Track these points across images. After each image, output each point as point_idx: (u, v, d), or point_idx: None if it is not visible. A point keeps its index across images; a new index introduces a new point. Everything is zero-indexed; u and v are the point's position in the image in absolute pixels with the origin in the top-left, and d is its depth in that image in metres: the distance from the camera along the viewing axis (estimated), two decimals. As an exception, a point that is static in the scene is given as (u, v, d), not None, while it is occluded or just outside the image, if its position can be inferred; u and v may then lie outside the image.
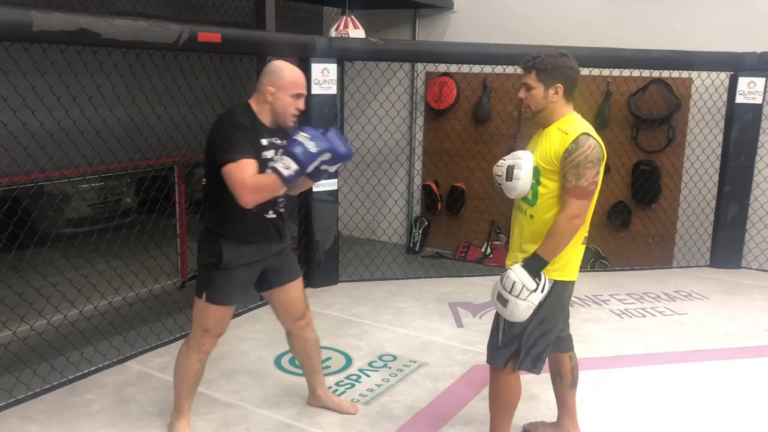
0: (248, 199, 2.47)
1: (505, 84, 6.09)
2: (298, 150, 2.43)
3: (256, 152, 2.53)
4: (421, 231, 6.87)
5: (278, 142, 2.63)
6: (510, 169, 2.48)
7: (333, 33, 5.47)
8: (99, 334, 3.93)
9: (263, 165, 2.53)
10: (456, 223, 6.71)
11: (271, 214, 2.70)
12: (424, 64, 6.47)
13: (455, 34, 6.39)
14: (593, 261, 6.04)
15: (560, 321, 2.63)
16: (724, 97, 5.51)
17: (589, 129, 2.44)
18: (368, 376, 3.51)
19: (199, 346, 2.76)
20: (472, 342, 3.95)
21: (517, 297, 2.39)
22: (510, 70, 5.73)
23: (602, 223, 6.19)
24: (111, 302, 4.35)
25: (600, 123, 6.01)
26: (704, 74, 5.62)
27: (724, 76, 5.51)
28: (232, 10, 6.45)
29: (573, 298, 4.76)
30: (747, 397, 3.35)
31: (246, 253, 2.67)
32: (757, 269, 5.64)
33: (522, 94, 2.51)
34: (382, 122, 6.04)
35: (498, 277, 2.50)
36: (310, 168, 2.47)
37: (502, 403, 2.65)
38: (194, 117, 4.17)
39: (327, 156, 2.48)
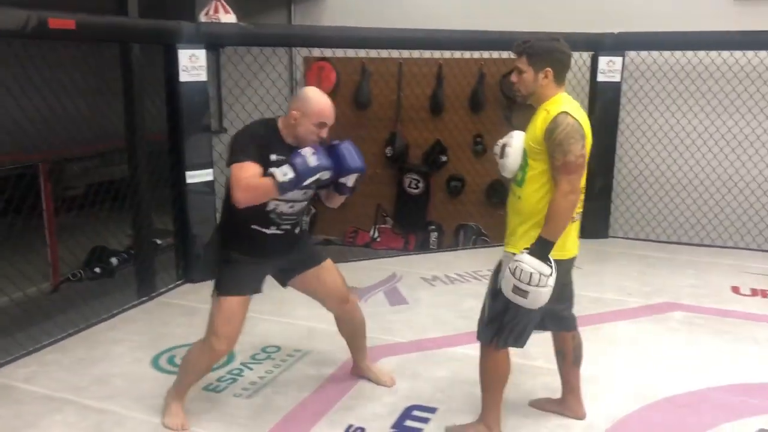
0: (239, 196, 2.52)
1: (380, 67, 6.14)
2: (297, 161, 2.50)
3: (262, 162, 2.58)
4: (309, 218, 6.83)
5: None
6: (503, 147, 2.59)
7: (203, 18, 5.28)
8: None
9: (264, 202, 2.64)
10: (343, 209, 6.59)
11: (272, 230, 2.75)
12: (301, 49, 6.40)
13: (332, 18, 6.34)
14: (475, 238, 6.25)
15: (550, 300, 2.61)
16: (588, 75, 5.81)
17: (570, 108, 2.48)
18: (251, 369, 3.44)
19: (210, 351, 2.79)
20: None
21: (537, 286, 2.41)
22: (385, 54, 5.77)
23: (481, 202, 6.40)
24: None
25: (475, 105, 6.20)
26: (569, 54, 5.88)
27: (586, 56, 5.81)
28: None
29: (455, 275, 5.03)
30: (607, 358, 3.55)
31: (247, 254, 2.76)
32: (622, 237, 6.04)
33: (514, 77, 2.58)
34: (261, 109, 5.92)
35: (506, 270, 2.49)
36: (308, 181, 2.53)
37: (490, 379, 2.72)
38: (55, 112, 3.90)
39: (326, 174, 2.58)
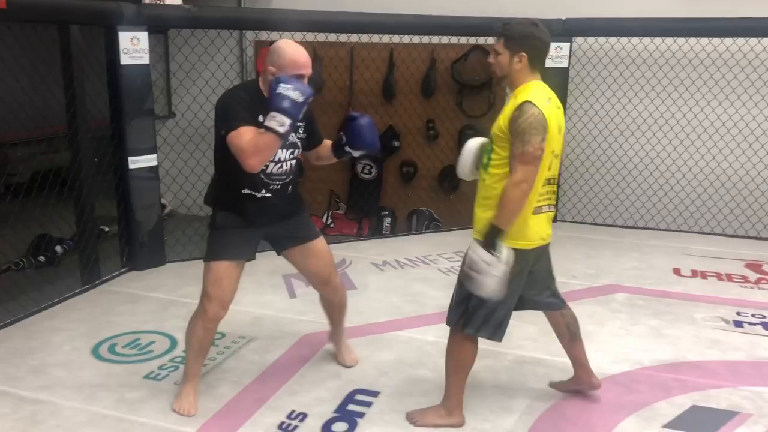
0: (251, 162, 2.52)
1: (332, 52, 6.08)
2: (286, 104, 2.46)
3: (253, 122, 2.58)
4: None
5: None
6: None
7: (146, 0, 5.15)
8: None
9: None
10: (295, 195, 6.64)
11: (263, 193, 2.73)
12: (254, 32, 6.31)
13: (282, 1, 6.25)
14: (427, 223, 6.27)
15: (518, 288, 2.63)
16: (536, 62, 5.84)
17: (538, 97, 2.45)
18: (194, 356, 3.40)
19: (202, 313, 2.80)
20: (304, 312, 3.96)
21: (480, 274, 2.43)
22: (333, 37, 5.73)
23: (434, 187, 6.43)
24: None
25: (427, 90, 6.20)
26: (518, 40, 5.92)
27: (535, 42, 5.84)
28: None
29: (405, 260, 5.05)
30: (550, 341, 3.59)
31: (238, 219, 2.78)
32: (570, 221, 6.14)
33: (491, 59, 2.58)
34: (210, 94, 5.81)
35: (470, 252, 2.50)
36: (300, 115, 2.52)
37: (454, 363, 2.73)
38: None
39: (310, 98, 2.53)
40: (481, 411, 2.90)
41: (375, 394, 3.03)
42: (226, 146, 2.58)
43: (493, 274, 2.43)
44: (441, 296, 4.20)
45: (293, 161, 2.79)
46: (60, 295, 4.12)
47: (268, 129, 2.48)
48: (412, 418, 2.82)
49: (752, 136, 5.67)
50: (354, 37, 5.89)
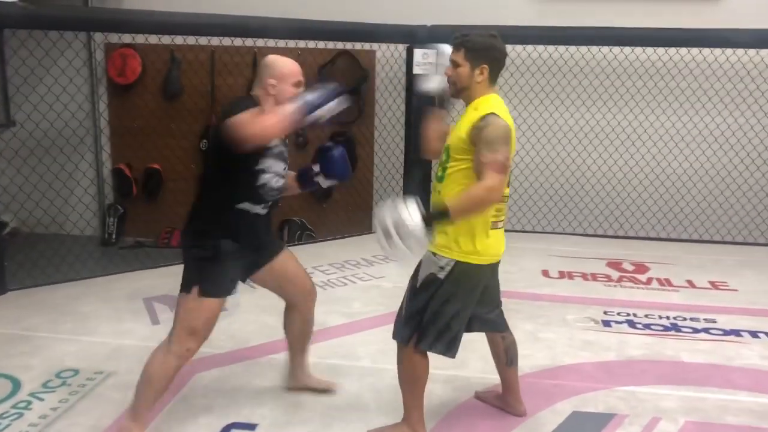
0: (253, 129, 2.35)
1: (191, 55, 5.77)
2: (315, 94, 2.45)
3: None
4: (116, 219, 6.25)
5: (281, 149, 2.64)
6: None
7: (-26, -5, 4.57)
8: None
9: (262, 174, 2.55)
10: (156, 208, 6.22)
11: (258, 209, 2.61)
12: (102, 34, 5.82)
13: (136, 1, 5.81)
14: (300, 233, 6.07)
15: (471, 303, 2.57)
16: (404, 68, 5.84)
17: (501, 110, 2.43)
18: (42, 399, 2.99)
19: (182, 351, 2.55)
20: None
21: (400, 237, 2.26)
22: (192, 40, 5.41)
23: (305, 196, 6.22)
24: None
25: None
26: (385, 46, 5.90)
27: (402, 48, 5.83)
28: None
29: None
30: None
31: (235, 245, 2.59)
32: (443, 227, 6.18)
33: (448, 71, 2.51)
34: (59, 99, 5.29)
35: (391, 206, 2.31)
36: (324, 108, 2.45)
37: (409, 378, 2.63)
38: None
39: (324, 104, 2.47)
40: (366, 436, 2.76)
41: (252, 427, 2.80)
42: (221, 159, 2.51)
43: (410, 246, 2.28)
44: (319, 311, 4.01)
45: (285, 179, 2.72)
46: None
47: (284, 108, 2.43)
48: None
49: (607, 140, 6.00)
50: (215, 41, 5.59)
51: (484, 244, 2.49)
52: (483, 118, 2.39)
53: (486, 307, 2.72)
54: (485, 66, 2.46)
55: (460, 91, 2.53)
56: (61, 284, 4.55)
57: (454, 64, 2.50)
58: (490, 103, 2.47)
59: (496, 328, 2.83)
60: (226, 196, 2.56)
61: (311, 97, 2.45)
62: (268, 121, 2.40)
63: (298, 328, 2.99)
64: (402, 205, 2.31)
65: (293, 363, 3.07)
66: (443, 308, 2.51)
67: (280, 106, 2.47)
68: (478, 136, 2.37)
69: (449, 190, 2.47)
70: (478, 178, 2.38)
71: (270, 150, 2.57)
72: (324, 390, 3.07)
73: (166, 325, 3.78)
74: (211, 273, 2.57)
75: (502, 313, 2.84)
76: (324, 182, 2.81)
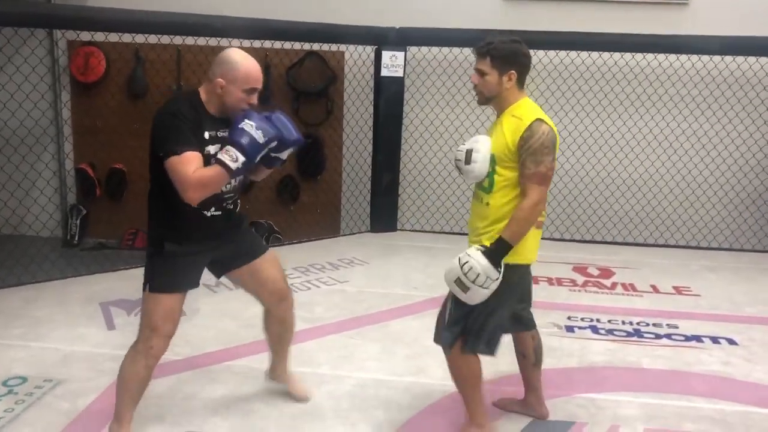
0: (193, 195, 2.31)
1: (155, 54, 5.66)
2: (245, 141, 2.32)
3: (199, 145, 2.35)
4: (78, 220, 6.12)
5: (223, 134, 2.44)
6: (468, 153, 2.48)
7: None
8: None
9: (206, 160, 2.37)
10: (120, 209, 6.11)
11: (213, 211, 2.51)
12: (66, 31, 5.69)
13: (101, -1, 5.70)
14: (267, 236, 5.99)
15: (512, 301, 2.60)
16: (372, 70, 5.79)
17: (542, 114, 2.43)
18: (-14, 409, 2.89)
19: (146, 350, 2.51)
20: (124, 345, 3.41)
21: (480, 287, 2.36)
22: (154, 38, 5.31)
23: (272, 199, 6.17)
24: None
25: (263, 97, 5.90)
26: (352, 48, 5.84)
27: (370, 50, 5.79)
28: None
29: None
30: (391, 358, 3.50)
31: (187, 244, 2.51)
32: (410, 230, 6.15)
33: (475, 79, 2.49)
34: (14, 98, 5.14)
35: (455, 260, 2.41)
36: (257, 159, 2.38)
37: (465, 380, 2.63)
38: None
39: (274, 144, 2.40)
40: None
41: (204, 438, 2.73)
42: (159, 172, 2.37)
43: (491, 288, 2.39)
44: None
45: (242, 176, 2.57)
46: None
47: (219, 162, 2.31)
48: None
49: (575, 144, 6.01)
50: (180, 39, 5.49)
51: (527, 244, 2.51)
52: (529, 126, 2.40)
53: (523, 303, 2.78)
54: (513, 72, 2.47)
55: (488, 99, 2.53)
56: (16, 287, 4.42)
57: (481, 73, 2.49)
58: (530, 108, 2.48)
59: (527, 325, 2.86)
60: (175, 201, 2.43)
61: (250, 148, 2.31)
62: (209, 182, 2.32)
63: (275, 332, 2.96)
64: (465, 257, 2.40)
65: (274, 361, 3.05)
66: (489, 309, 2.51)
67: (217, 168, 2.31)
68: (523, 147, 2.39)
69: (496, 201, 2.48)
70: (522, 190, 2.42)
71: (213, 156, 2.43)
72: (299, 399, 3.01)
73: (122, 330, 3.72)
74: (160, 269, 2.53)
75: (530, 310, 2.88)
76: (281, 153, 2.55)
